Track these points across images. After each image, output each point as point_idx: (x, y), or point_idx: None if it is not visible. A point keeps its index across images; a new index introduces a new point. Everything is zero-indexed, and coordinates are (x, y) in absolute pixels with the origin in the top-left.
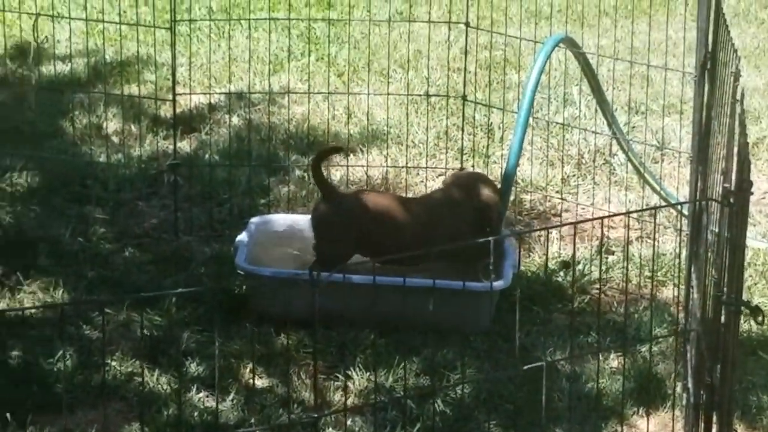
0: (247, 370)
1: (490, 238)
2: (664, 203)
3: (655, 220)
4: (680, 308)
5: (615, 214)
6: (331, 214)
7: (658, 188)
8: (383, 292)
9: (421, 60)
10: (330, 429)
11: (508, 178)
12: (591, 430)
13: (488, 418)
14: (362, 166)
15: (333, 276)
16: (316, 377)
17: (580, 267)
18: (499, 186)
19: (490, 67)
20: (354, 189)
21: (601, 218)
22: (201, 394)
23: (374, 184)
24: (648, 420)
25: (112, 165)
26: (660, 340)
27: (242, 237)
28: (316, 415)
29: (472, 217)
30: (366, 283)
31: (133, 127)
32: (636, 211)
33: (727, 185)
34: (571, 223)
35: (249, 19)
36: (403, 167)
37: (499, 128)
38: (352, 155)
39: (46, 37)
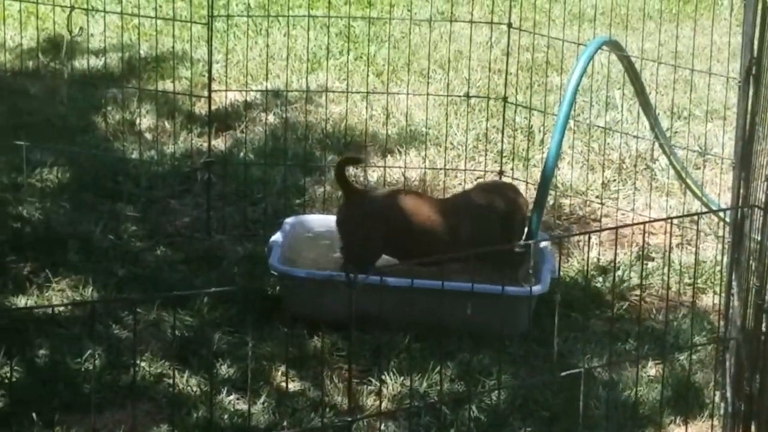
0: (279, 372)
1: (530, 242)
2: (705, 209)
3: (697, 226)
4: (720, 316)
5: (656, 220)
6: (356, 214)
7: (699, 194)
8: (420, 294)
9: (462, 61)
10: None
11: (546, 180)
12: None
13: (523, 425)
14: (400, 167)
15: (369, 278)
16: (350, 381)
17: (619, 273)
18: (529, 194)
19: (532, 69)
20: (378, 189)
21: (642, 223)
22: (231, 397)
23: (412, 185)
24: (686, 429)
25: (144, 162)
26: (699, 348)
27: (276, 237)
28: (349, 419)
29: (497, 223)
30: (403, 285)
31: (167, 123)
32: (677, 217)
33: None
34: (611, 228)
35: (287, 16)
36: (441, 169)
37: (540, 131)
38: (389, 156)
39: (80, 29)
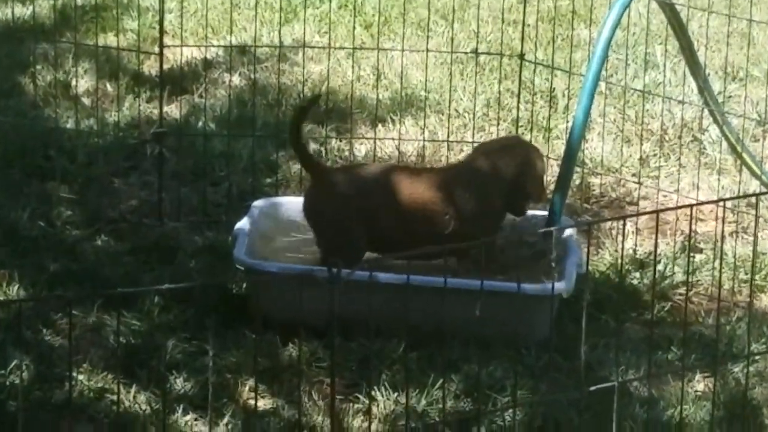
0: (247, 387)
1: (551, 229)
2: (765, 190)
3: (756, 210)
4: None
5: (705, 202)
6: (328, 198)
7: (758, 171)
8: (417, 293)
9: (469, 10)
10: None
11: (571, 155)
12: None
13: None
14: (393, 139)
15: (355, 273)
16: (333, 398)
17: (660, 267)
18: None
19: (554, 21)
20: (353, 165)
21: (689, 206)
22: (188, 417)
23: (408, 161)
24: None
25: (82, 132)
26: (757, 358)
27: (242, 224)
28: None
29: (505, 191)
30: (396, 282)
31: (109, 86)
32: (731, 199)
33: None
34: (650, 212)
35: None
36: (443, 141)
37: (564, 95)
38: (381, 126)
39: None
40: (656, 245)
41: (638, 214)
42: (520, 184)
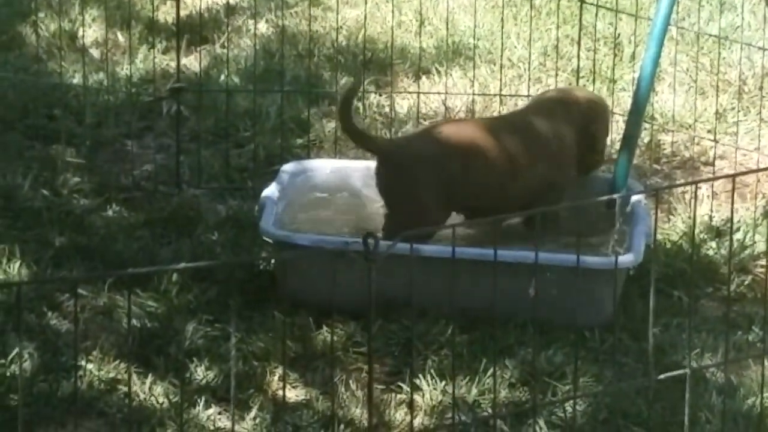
0: (276, 377)
1: (617, 195)
2: None
3: None
4: None
5: None
6: (404, 169)
7: None
8: (466, 268)
9: None
10: None
11: (639, 110)
12: None
13: None
14: (439, 93)
15: (395, 246)
16: (371, 388)
17: (739, 236)
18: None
19: None
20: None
21: None
22: (211, 411)
23: (456, 117)
24: None
25: (90, 89)
26: None
27: (270, 191)
28: None
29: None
30: (441, 255)
31: (120, 35)
32: None
33: None
34: (728, 176)
35: None
36: (495, 95)
37: (630, 42)
38: (425, 78)
39: None
40: (732, 211)
41: (714, 178)
42: (588, 137)
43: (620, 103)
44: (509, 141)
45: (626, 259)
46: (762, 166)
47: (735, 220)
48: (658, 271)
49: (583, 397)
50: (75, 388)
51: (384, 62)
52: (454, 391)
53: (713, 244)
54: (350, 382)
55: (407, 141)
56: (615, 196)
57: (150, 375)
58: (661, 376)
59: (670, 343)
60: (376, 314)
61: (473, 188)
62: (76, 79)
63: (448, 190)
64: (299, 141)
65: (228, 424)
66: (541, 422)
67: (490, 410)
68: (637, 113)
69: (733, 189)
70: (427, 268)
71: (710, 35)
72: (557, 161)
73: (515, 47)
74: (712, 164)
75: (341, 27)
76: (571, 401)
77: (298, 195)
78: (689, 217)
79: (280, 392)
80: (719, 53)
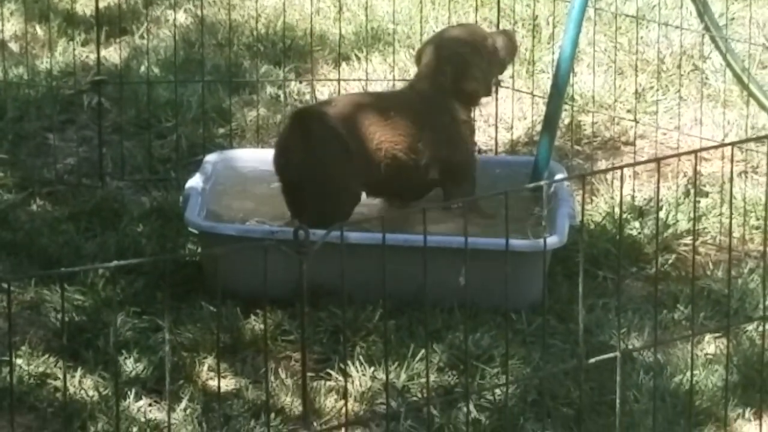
0: (205, 367)
1: (542, 183)
2: None
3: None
4: None
5: (710, 147)
6: (312, 146)
7: (767, 104)
8: (392, 254)
9: None
10: None
11: (559, 91)
12: None
13: (539, 426)
14: (359, 79)
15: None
16: (305, 376)
17: (662, 215)
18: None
19: None
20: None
21: (694, 152)
22: (141, 402)
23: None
24: (759, 425)
25: (10, 83)
26: None
27: (195, 182)
28: None
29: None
30: (369, 242)
31: (39, 29)
32: (741, 143)
33: None
34: (651, 161)
35: None
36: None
37: (548, 23)
38: (345, 64)
39: None
40: (658, 194)
41: (637, 164)
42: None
43: (540, 85)
44: (401, 114)
45: (551, 241)
46: (682, 144)
47: (659, 201)
48: (584, 252)
49: (513, 380)
50: (11, 383)
51: (304, 49)
52: (387, 376)
53: (636, 223)
54: (279, 370)
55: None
56: (543, 182)
57: (79, 368)
58: (592, 360)
59: (596, 324)
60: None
61: (373, 163)
62: None
63: (352, 165)
64: (221, 130)
65: (158, 415)
66: (472, 406)
67: (419, 395)
68: (557, 95)
69: (659, 171)
70: (353, 255)
71: (627, 15)
72: (450, 134)
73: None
74: (633, 144)
75: (260, 15)
76: (501, 385)
77: (222, 185)
78: (612, 197)
79: (210, 382)
80: (637, 33)
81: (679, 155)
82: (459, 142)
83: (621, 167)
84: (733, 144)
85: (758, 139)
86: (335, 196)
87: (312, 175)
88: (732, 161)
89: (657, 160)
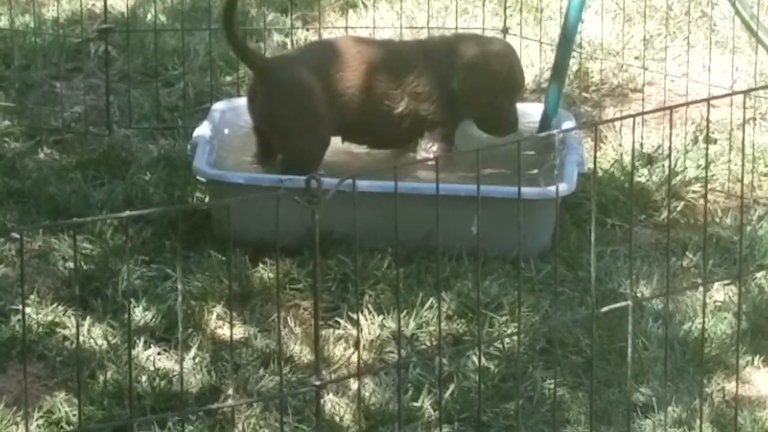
0: (214, 315)
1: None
2: None
3: None
4: None
5: (727, 94)
6: (280, 89)
7: None
8: (402, 203)
9: None
10: (329, 394)
11: (567, 39)
12: (689, 388)
13: (548, 374)
14: (367, 27)
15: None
16: (317, 329)
17: (671, 162)
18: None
19: None
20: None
21: (705, 100)
22: (150, 351)
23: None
24: None
25: (17, 32)
26: None
27: (202, 130)
28: (317, 383)
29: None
30: (380, 191)
31: None
32: (753, 90)
33: None
34: (661, 109)
35: None
36: (423, 28)
37: None
38: (352, 12)
39: None
40: (670, 143)
41: (647, 112)
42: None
43: (548, 33)
44: (385, 62)
45: (560, 188)
46: (690, 91)
47: (665, 146)
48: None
49: (522, 330)
50: (24, 332)
51: None
52: (399, 326)
53: (645, 171)
54: (288, 319)
55: (282, 61)
56: (554, 132)
57: (88, 317)
58: (604, 309)
59: (605, 271)
60: (312, 250)
61: (351, 104)
62: (3, 22)
63: (330, 107)
64: (228, 78)
65: (167, 363)
66: (481, 354)
67: (428, 343)
68: (566, 42)
69: (671, 120)
70: (362, 204)
71: None
72: (427, 95)
73: None
74: (641, 91)
75: None
76: (510, 333)
77: (230, 133)
78: (620, 145)
79: (219, 331)
80: None
81: (689, 104)
82: (438, 105)
83: (632, 116)
84: (744, 92)
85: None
86: (300, 143)
87: (275, 123)
88: (743, 109)
89: (669, 108)
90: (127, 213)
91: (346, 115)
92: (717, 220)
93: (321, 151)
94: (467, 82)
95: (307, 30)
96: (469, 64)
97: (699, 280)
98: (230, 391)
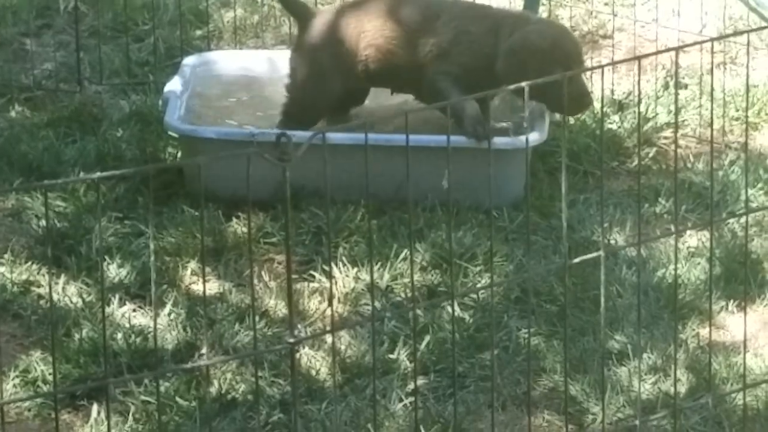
0: (188, 271)
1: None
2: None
3: (748, 39)
4: None
5: (690, 44)
6: (306, 44)
7: None
8: (374, 155)
9: None
10: (305, 348)
11: None
12: (664, 334)
13: (522, 324)
14: None
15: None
16: (290, 285)
17: (641, 108)
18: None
19: None
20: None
21: (674, 49)
22: (125, 308)
23: None
24: (744, 317)
25: None
26: (756, 207)
27: (173, 85)
28: (291, 341)
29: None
30: (351, 143)
31: None
32: (723, 37)
33: None
34: (630, 59)
35: None
36: None
37: None
38: None
39: None
40: (639, 92)
41: (617, 62)
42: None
43: None
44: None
45: (532, 137)
46: (660, 37)
47: (636, 92)
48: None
49: (499, 283)
50: None
51: None
52: (372, 278)
53: (616, 117)
54: (263, 273)
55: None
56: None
57: (62, 275)
58: (577, 260)
59: (578, 219)
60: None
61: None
62: None
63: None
64: (198, 32)
65: (142, 320)
66: (455, 305)
67: (403, 295)
68: None
69: (639, 68)
70: (334, 156)
71: None
72: (447, 51)
73: None
74: (611, 37)
75: None
76: (484, 283)
77: (202, 87)
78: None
79: (193, 287)
80: None
81: (659, 53)
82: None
83: (602, 66)
84: (712, 39)
85: (738, 34)
86: (300, 94)
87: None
88: (712, 53)
89: (637, 58)
90: (98, 174)
91: (370, 67)
92: (689, 165)
93: (322, 105)
94: (508, 67)
95: None
96: (508, 51)
97: (672, 227)
98: (205, 348)
